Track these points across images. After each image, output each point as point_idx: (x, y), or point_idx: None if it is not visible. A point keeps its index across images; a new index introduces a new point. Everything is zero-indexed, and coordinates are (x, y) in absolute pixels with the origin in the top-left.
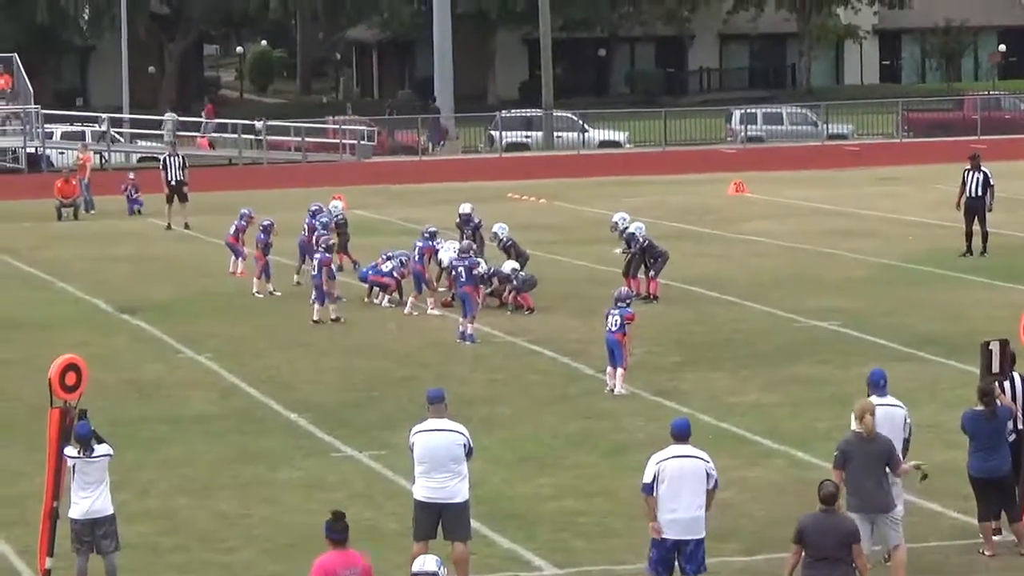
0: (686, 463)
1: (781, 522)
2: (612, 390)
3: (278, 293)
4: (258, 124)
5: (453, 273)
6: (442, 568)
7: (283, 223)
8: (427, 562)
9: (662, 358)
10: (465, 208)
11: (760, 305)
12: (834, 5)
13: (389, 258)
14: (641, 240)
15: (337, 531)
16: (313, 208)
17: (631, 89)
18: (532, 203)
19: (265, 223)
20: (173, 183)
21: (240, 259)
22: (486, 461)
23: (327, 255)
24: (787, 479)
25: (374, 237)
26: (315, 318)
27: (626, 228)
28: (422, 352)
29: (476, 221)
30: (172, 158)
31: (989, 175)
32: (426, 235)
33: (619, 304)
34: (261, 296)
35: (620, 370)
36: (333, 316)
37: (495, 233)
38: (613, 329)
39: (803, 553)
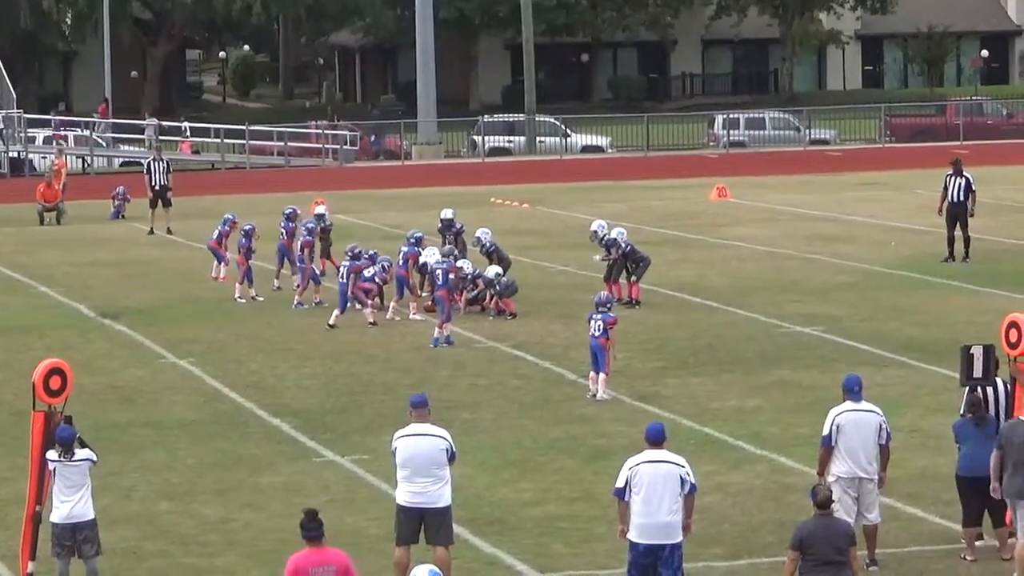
0: (659, 468)
1: (763, 527)
2: (595, 395)
3: (260, 298)
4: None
5: (431, 277)
6: None
7: (266, 228)
8: (419, 573)
9: (644, 363)
10: (447, 213)
11: (742, 310)
12: (816, 10)
13: (370, 259)
14: (623, 245)
15: (311, 529)
16: (287, 211)
17: (614, 94)
18: (515, 208)
19: (247, 228)
20: (157, 188)
21: (222, 264)
22: (468, 466)
23: (355, 263)
24: (768, 484)
25: (357, 242)
26: (331, 322)
27: (605, 235)
28: (404, 357)
29: (458, 226)
30: (156, 163)
31: (971, 180)
32: (412, 240)
33: (600, 309)
34: (243, 301)
35: (603, 375)
36: (331, 321)
37: (478, 238)
38: (596, 334)
39: (801, 560)
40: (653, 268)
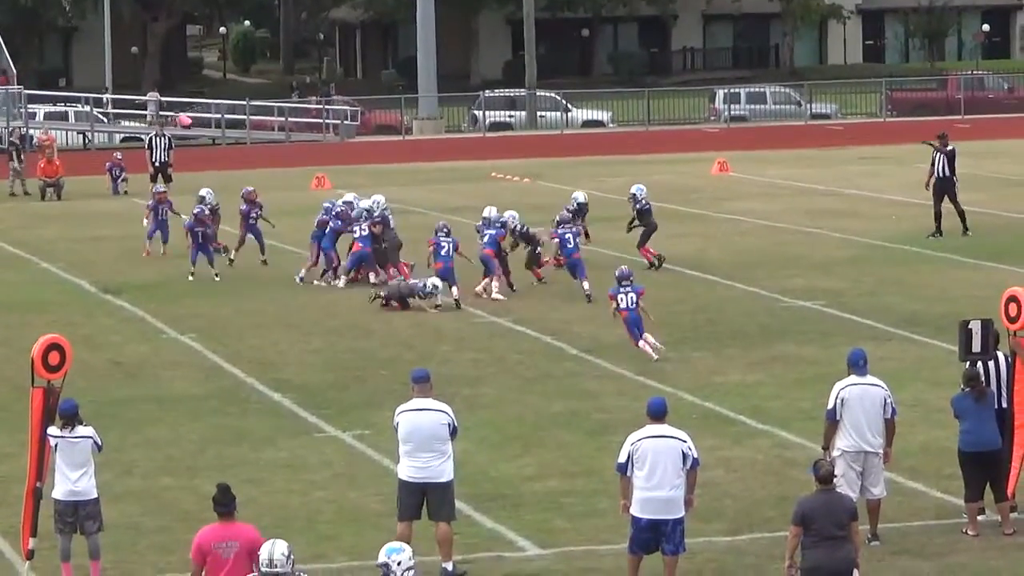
0: (661, 443)
1: (765, 502)
2: (655, 359)
3: (218, 278)
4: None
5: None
6: (399, 555)
7: (271, 202)
8: (381, 554)
9: None
10: (581, 197)
11: (743, 285)
12: None
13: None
14: (641, 201)
15: (222, 504)
16: (244, 192)
17: (614, 69)
18: (516, 183)
19: (197, 211)
20: (158, 164)
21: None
22: (470, 441)
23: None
24: (770, 459)
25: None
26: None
27: (517, 226)
28: (406, 332)
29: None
30: (158, 139)
31: (955, 152)
32: (498, 223)
33: (624, 283)
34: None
35: (648, 336)
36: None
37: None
38: (632, 306)
39: (803, 534)
40: (654, 242)
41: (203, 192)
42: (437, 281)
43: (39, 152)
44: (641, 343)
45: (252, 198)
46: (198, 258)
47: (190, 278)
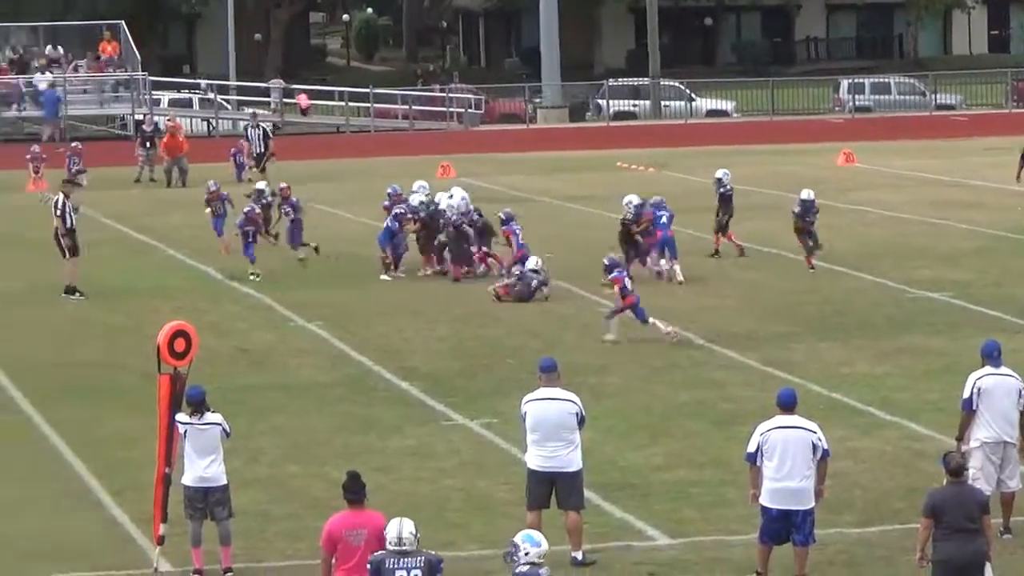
0: (791, 433)
1: (894, 493)
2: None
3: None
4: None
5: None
6: (532, 546)
7: (378, 192)
8: (518, 536)
9: (772, 328)
10: (719, 174)
11: (870, 275)
12: None
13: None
14: (726, 186)
15: (352, 491)
16: (278, 188)
17: (738, 58)
18: (642, 172)
19: (247, 209)
20: (255, 155)
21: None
22: (596, 430)
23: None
24: (899, 450)
25: (483, 205)
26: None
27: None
28: (531, 320)
29: (728, 187)
30: (253, 130)
31: None
32: (652, 205)
33: (617, 270)
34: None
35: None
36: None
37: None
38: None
39: (934, 527)
40: (780, 234)
41: (260, 185)
42: (533, 262)
43: (167, 136)
44: (653, 322)
45: (286, 195)
46: (251, 255)
47: (251, 278)
